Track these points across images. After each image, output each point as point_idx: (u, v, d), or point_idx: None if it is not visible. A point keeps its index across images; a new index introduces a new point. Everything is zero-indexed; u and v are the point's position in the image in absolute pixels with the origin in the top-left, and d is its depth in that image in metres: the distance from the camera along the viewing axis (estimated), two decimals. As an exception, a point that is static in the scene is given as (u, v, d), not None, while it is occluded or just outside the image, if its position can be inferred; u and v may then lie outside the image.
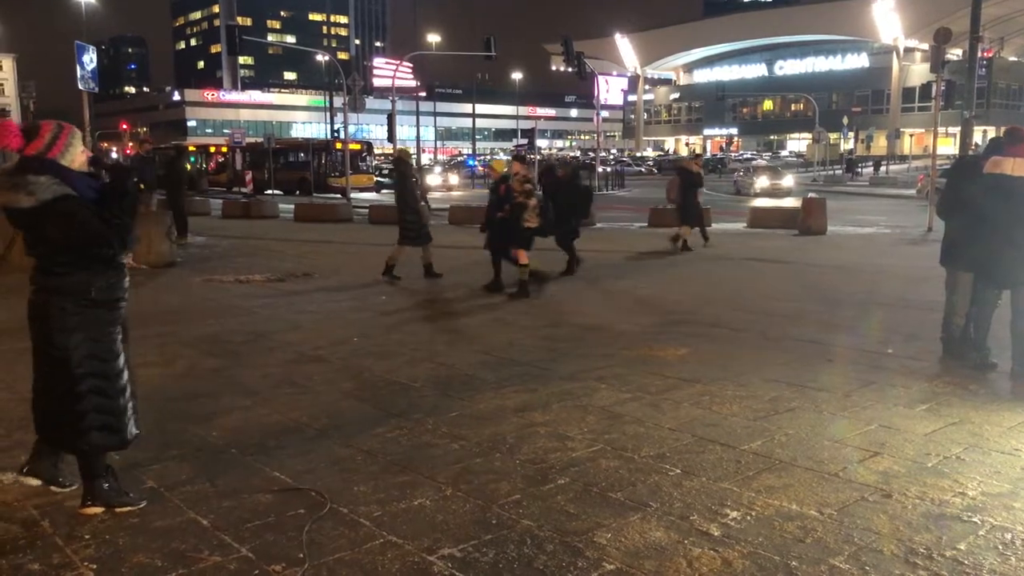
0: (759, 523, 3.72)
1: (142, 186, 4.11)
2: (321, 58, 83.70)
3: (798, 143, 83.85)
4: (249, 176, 39.79)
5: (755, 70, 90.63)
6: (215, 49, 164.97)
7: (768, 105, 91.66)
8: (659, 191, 38.78)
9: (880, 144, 67.08)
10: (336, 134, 50.44)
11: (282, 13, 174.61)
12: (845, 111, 66.27)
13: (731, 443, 4.78)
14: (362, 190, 38.24)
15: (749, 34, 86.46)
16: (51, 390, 3.83)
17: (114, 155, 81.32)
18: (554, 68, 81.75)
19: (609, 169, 49.01)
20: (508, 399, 5.70)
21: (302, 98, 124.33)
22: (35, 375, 3.91)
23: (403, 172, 11.95)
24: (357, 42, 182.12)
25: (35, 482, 4.01)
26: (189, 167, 37.85)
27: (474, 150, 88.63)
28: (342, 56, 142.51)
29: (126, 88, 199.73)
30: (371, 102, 52.80)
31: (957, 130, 27.08)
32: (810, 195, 23.67)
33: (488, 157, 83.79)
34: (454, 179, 47.39)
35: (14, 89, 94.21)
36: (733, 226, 20.00)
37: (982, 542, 3.54)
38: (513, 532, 3.65)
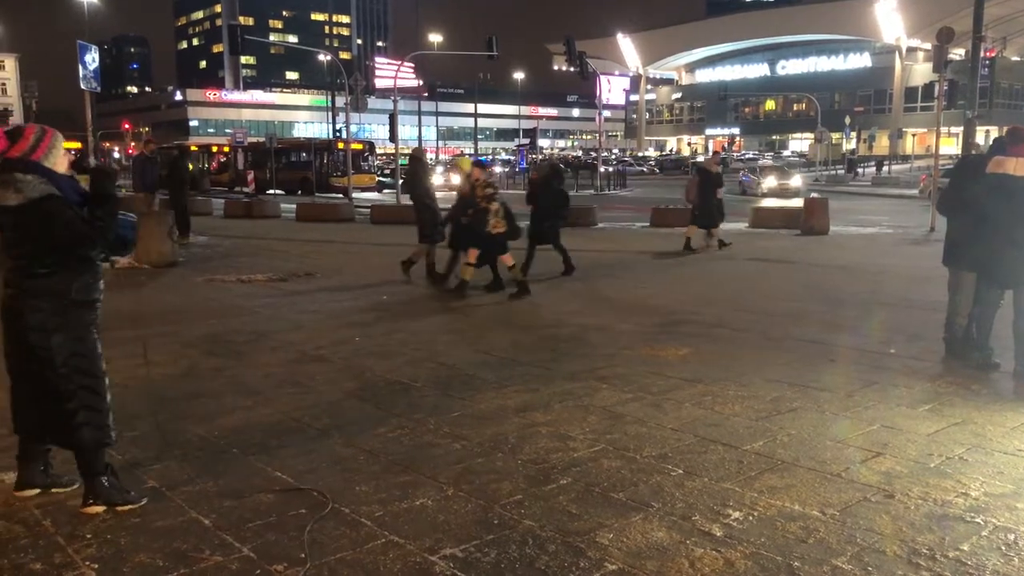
0: (761, 523, 3.72)
1: (125, 191, 4.19)
2: (323, 58, 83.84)
3: (800, 143, 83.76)
4: (251, 176, 39.85)
5: (757, 70, 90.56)
6: (217, 49, 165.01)
7: (770, 105, 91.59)
8: (661, 191, 38.95)
9: (882, 144, 67.03)
10: (338, 134, 50.49)
11: (284, 13, 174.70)
12: (847, 111, 66.20)
13: (733, 443, 4.77)
14: (364, 190, 38.25)
15: (751, 34, 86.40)
16: (40, 392, 3.86)
17: (116, 155, 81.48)
18: (556, 68, 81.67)
19: (611, 169, 48.98)
20: (510, 399, 5.70)
21: (304, 98, 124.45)
22: (15, 380, 3.93)
23: (417, 171, 12.03)
24: (359, 42, 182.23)
25: (33, 492, 4.04)
26: (191, 167, 37.89)
27: (476, 150, 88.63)
28: (344, 56, 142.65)
29: (128, 88, 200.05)
30: (373, 102, 52.89)
31: (960, 130, 27.03)
32: (812, 195, 23.65)
33: (490, 156, 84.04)
34: (456, 179, 47.28)
35: (16, 89, 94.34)
36: (735, 226, 19.95)
37: (985, 543, 3.53)
38: (515, 532, 3.65)
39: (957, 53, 37.16)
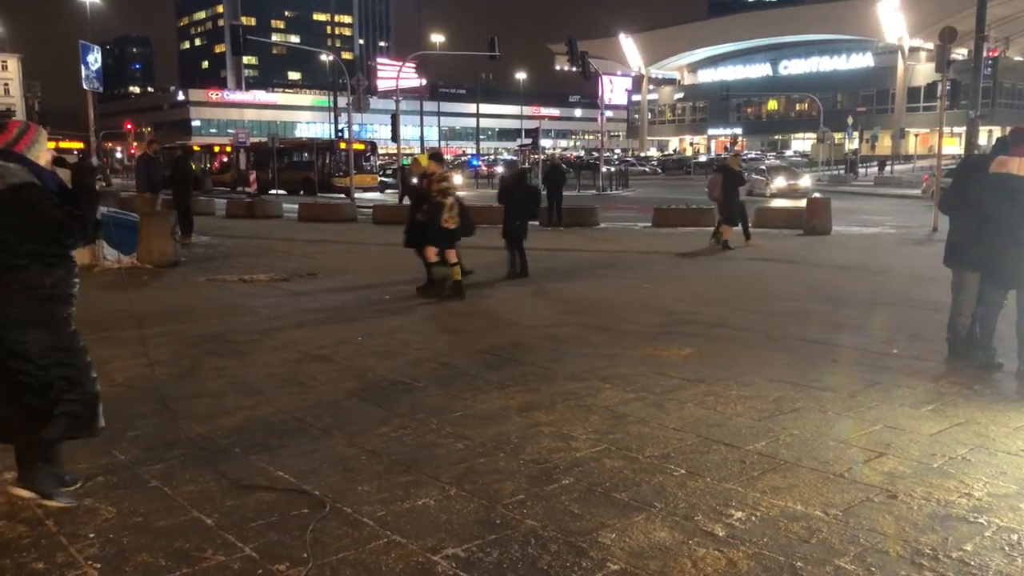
0: (764, 524, 3.71)
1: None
2: (325, 58, 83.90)
3: (802, 143, 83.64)
4: (253, 176, 39.86)
5: (759, 70, 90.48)
6: (219, 49, 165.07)
7: (772, 105, 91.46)
8: (663, 192, 38.94)
9: (885, 144, 66.94)
10: (340, 134, 50.50)
11: (286, 13, 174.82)
12: (850, 111, 66.12)
13: (736, 443, 4.77)
14: (366, 190, 38.26)
15: (754, 34, 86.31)
16: (19, 386, 3.87)
17: (119, 155, 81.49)
18: (558, 68, 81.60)
19: (613, 169, 48.97)
20: (512, 399, 5.70)
21: (306, 98, 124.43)
22: None
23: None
24: (361, 42, 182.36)
25: (28, 494, 4.02)
26: (194, 167, 37.93)
27: (478, 150, 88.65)
28: (346, 56, 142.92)
29: (131, 88, 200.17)
30: (375, 102, 52.83)
31: (962, 130, 27.05)
32: (815, 195, 23.59)
33: (492, 156, 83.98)
34: (458, 179, 47.31)
35: (19, 89, 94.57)
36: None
37: (988, 543, 3.52)
38: (517, 532, 3.64)
39: (960, 53, 37.16)
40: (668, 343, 7.44)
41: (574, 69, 37.26)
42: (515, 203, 11.59)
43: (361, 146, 42.25)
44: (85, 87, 19.28)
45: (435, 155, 10.87)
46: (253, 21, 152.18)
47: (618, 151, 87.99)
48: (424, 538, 3.58)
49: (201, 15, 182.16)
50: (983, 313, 6.45)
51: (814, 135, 61.46)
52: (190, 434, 4.96)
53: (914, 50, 74.68)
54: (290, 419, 5.29)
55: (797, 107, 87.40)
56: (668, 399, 5.67)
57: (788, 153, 78.70)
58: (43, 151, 3.97)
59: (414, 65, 47.84)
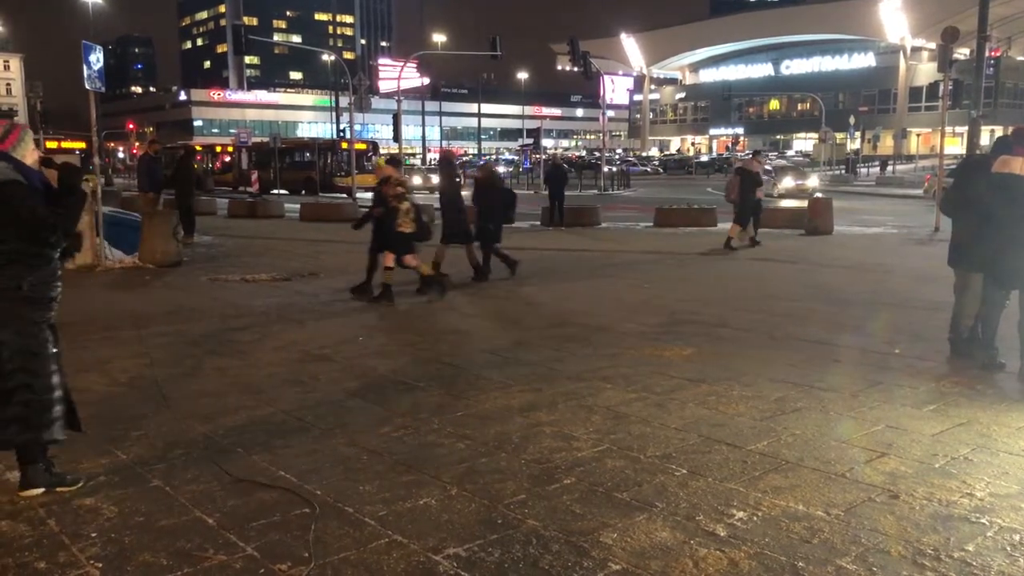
0: (766, 523, 3.71)
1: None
2: (327, 58, 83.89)
3: (804, 143, 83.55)
4: (255, 176, 39.83)
5: (761, 70, 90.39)
6: (221, 49, 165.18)
7: (774, 105, 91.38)
8: (665, 191, 38.92)
9: (887, 144, 66.88)
10: (342, 134, 50.49)
11: (288, 13, 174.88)
12: (852, 111, 66.06)
13: (737, 443, 4.77)
14: (368, 190, 38.20)
15: (755, 34, 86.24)
16: None
17: (121, 155, 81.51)
18: (560, 68, 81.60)
19: (615, 169, 48.97)
20: (513, 399, 5.70)
21: (308, 98, 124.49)
22: None
23: (449, 173, 12.10)
24: (363, 42, 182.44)
25: (37, 491, 4.04)
26: (196, 167, 37.98)
27: (480, 150, 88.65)
28: (348, 56, 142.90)
29: (133, 88, 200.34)
30: (377, 102, 52.86)
31: (964, 130, 27.03)
32: (817, 195, 23.58)
33: (492, 156, 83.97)
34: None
35: (21, 89, 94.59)
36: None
37: (990, 543, 3.52)
38: (519, 532, 3.64)
39: (962, 53, 37.14)
40: (670, 343, 7.44)
41: (576, 69, 37.24)
42: (488, 205, 11.55)
43: (363, 146, 42.27)
44: (87, 87, 19.26)
45: (392, 160, 11.03)
46: (255, 21, 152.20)
47: (619, 151, 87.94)
48: (425, 538, 3.58)
49: (203, 15, 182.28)
50: (985, 313, 6.44)
51: (816, 135, 61.38)
52: (192, 434, 4.97)
53: (916, 50, 74.61)
54: (291, 419, 5.29)
55: (799, 107, 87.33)
56: (670, 399, 5.67)
57: (790, 153, 78.67)
58: (29, 150, 4.01)
59: (416, 65, 47.87)
